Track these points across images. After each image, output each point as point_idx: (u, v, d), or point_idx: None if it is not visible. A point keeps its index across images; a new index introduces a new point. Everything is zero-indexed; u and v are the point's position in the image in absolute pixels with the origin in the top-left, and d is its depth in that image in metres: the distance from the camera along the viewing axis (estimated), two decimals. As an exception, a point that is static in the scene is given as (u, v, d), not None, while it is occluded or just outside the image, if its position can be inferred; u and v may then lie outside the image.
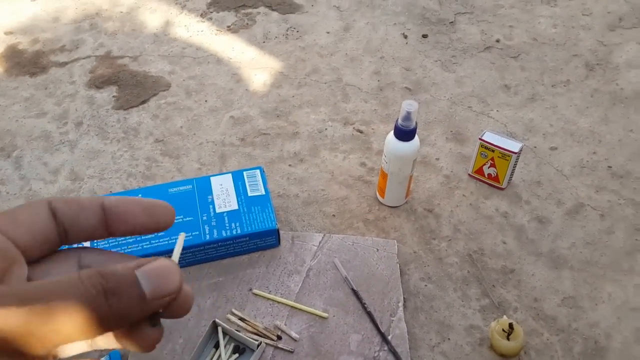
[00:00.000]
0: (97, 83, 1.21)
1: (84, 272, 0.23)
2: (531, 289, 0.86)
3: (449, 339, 0.80)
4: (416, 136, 0.88)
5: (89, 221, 0.28)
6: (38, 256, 0.27)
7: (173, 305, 0.26)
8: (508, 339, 0.77)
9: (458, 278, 0.87)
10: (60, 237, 0.28)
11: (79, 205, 0.28)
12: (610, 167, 1.03)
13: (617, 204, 0.98)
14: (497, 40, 1.32)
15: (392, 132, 0.89)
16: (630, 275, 0.88)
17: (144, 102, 1.16)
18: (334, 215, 0.96)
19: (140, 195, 0.89)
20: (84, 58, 1.28)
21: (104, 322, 0.22)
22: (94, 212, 0.28)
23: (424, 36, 1.33)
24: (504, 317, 0.79)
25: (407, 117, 0.85)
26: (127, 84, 1.21)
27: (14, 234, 0.26)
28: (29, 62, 1.28)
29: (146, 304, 0.24)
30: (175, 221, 0.85)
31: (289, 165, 1.04)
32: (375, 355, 0.76)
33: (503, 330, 0.78)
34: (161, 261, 0.24)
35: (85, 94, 1.18)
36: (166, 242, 0.83)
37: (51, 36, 1.34)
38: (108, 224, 0.28)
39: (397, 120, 0.87)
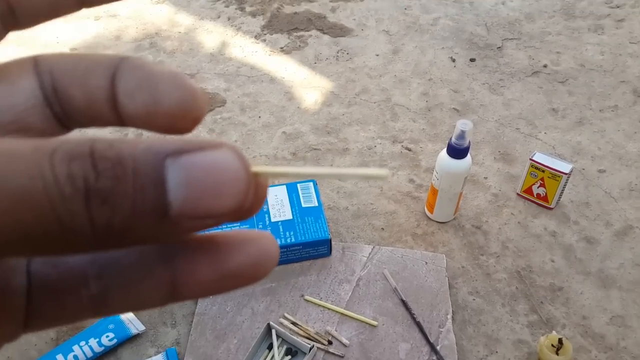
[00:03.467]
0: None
1: (55, 142, 0.13)
2: (579, 307, 0.87)
3: (496, 352, 0.81)
4: (468, 154, 0.91)
5: (92, 89, 0.16)
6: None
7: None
8: (557, 354, 0.78)
9: (506, 294, 0.88)
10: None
11: (79, 61, 0.16)
12: (660, 191, 1.04)
13: (667, 228, 0.97)
14: (545, 66, 1.34)
15: (444, 149, 0.91)
16: (681, 299, 0.88)
17: (201, 116, 1.22)
18: (382, 229, 0.98)
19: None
20: (144, 74, 1.35)
21: (70, 245, 0.13)
22: (103, 73, 0.16)
23: (472, 60, 1.36)
24: (553, 332, 0.80)
25: (462, 135, 0.88)
26: (185, 100, 1.26)
27: None
28: (93, 78, 1.35)
29: (167, 226, 0.14)
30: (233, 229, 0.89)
31: (339, 179, 1.07)
32: (424, 363, 0.78)
33: (552, 345, 0.78)
34: (222, 152, 0.14)
35: (146, 108, 1.25)
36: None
37: (113, 53, 1.42)
38: (117, 97, 0.16)
39: (450, 139, 0.89)
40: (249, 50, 1.42)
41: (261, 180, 0.15)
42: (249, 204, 0.14)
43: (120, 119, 0.16)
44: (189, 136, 0.15)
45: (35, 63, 0.16)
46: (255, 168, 0.15)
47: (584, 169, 1.08)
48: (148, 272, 0.16)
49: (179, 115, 0.16)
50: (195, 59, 1.39)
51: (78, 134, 0.13)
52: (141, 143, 0.13)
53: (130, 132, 1.10)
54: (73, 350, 0.79)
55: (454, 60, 1.36)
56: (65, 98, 0.16)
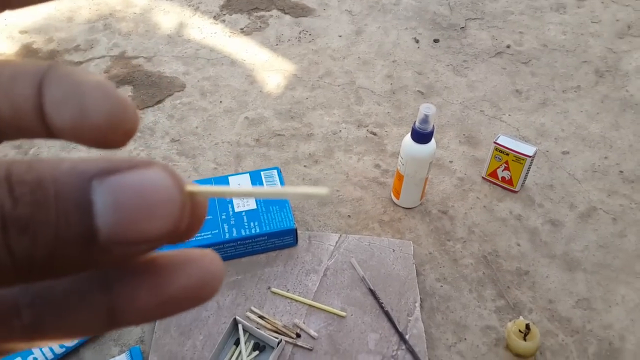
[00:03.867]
0: (112, 83, 1.22)
1: None
2: (546, 291, 0.87)
3: (465, 339, 0.81)
4: (433, 139, 0.89)
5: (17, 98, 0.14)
6: None
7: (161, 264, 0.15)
8: (525, 339, 0.78)
9: (473, 279, 0.88)
10: None
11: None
12: (621, 171, 1.05)
13: (629, 208, 0.99)
14: (508, 46, 1.33)
15: (409, 134, 0.90)
16: (642, 279, 0.89)
17: (159, 102, 1.17)
18: (349, 216, 0.96)
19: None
20: (98, 58, 1.29)
21: None
22: (29, 82, 0.14)
23: (436, 41, 1.34)
24: (521, 317, 0.80)
25: (425, 120, 0.86)
26: (142, 84, 1.22)
27: None
28: (44, 61, 1.28)
29: (96, 253, 0.13)
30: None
31: (304, 166, 1.05)
32: (394, 354, 0.77)
33: (520, 330, 0.78)
34: (153, 171, 0.13)
35: (101, 94, 1.19)
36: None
37: (65, 35, 1.35)
38: (44, 108, 0.14)
39: (414, 123, 0.88)
40: (208, 31, 1.37)
41: (199, 199, 0.14)
42: (184, 225, 0.13)
43: (48, 131, 0.15)
44: (120, 152, 0.13)
45: None
46: (190, 187, 0.14)
47: (547, 151, 1.08)
48: (84, 300, 0.14)
49: (109, 128, 0.14)
50: (151, 41, 1.34)
51: None
52: (63, 163, 0.12)
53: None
54: (32, 352, 0.76)
55: (417, 41, 1.35)
56: None
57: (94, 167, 0.13)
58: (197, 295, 0.15)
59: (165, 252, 0.15)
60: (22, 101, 0.14)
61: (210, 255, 0.15)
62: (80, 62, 1.28)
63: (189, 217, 0.14)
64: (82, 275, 0.15)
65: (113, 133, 0.14)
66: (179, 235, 0.14)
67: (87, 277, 0.15)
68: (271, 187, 0.15)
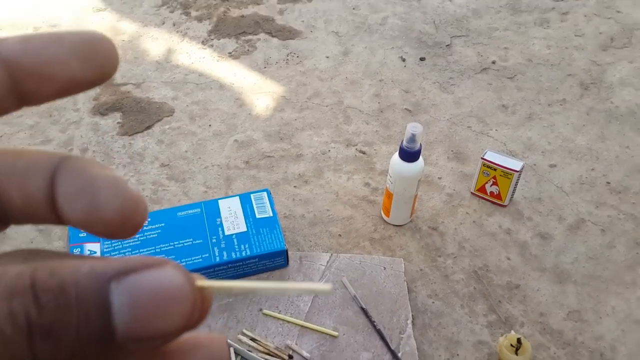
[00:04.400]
0: (102, 110, 1.23)
1: None
2: (537, 304, 0.87)
3: (457, 354, 0.81)
4: (421, 157, 0.90)
5: None
6: None
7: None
8: (516, 353, 0.78)
9: (465, 294, 0.89)
10: None
11: None
12: (608, 182, 1.06)
13: (617, 219, 0.99)
14: (493, 62, 1.35)
15: (397, 153, 0.91)
16: (632, 289, 0.89)
17: (148, 127, 1.18)
18: (340, 235, 0.97)
19: (149, 219, 0.90)
20: (88, 86, 1.30)
21: None
22: (42, 174, 0.16)
23: (422, 59, 1.36)
24: (512, 332, 0.80)
25: (412, 139, 0.87)
26: (131, 110, 1.23)
27: None
28: (34, 91, 1.29)
29: (113, 350, 0.13)
30: (185, 244, 0.86)
31: (294, 186, 1.06)
32: (387, 372, 0.77)
33: (511, 345, 0.79)
34: (166, 271, 0.14)
35: (90, 121, 1.20)
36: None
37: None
38: (17, 84, 0.16)
39: (402, 142, 0.89)
40: (196, 56, 1.38)
41: (205, 294, 0.15)
42: (195, 320, 0.14)
43: (58, 220, 0.16)
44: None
45: None
46: (201, 282, 0.15)
47: (535, 165, 1.09)
48: None
49: (119, 223, 0.15)
50: (140, 68, 1.35)
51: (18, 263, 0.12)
52: (84, 265, 0.13)
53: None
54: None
55: (404, 60, 1.36)
56: (2, 198, 0.16)
57: (112, 268, 0.13)
58: None
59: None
60: (34, 192, 0.15)
61: (218, 341, 0.16)
62: (70, 90, 1.29)
63: (199, 311, 0.14)
64: None
65: (123, 227, 0.15)
66: (188, 329, 0.14)
67: None
68: (276, 283, 0.16)
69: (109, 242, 0.85)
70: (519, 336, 0.79)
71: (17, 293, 0.12)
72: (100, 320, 0.13)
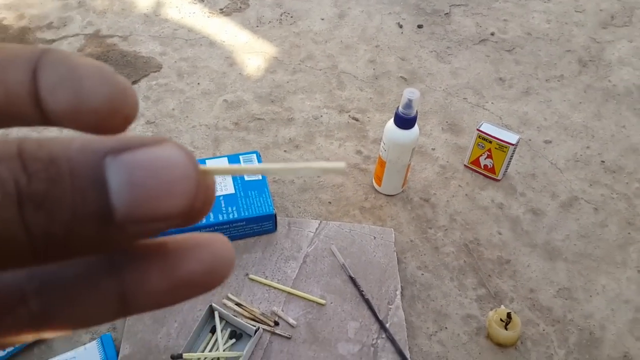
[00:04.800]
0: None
1: None
2: (527, 280, 0.86)
3: (446, 327, 0.80)
4: (416, 125, 0.88)
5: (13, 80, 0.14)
6: None
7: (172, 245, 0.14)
8: (506, 328, 0.77)
9: (454, 267, 0.87)
10: None
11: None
12: (603, 161, 1.04)
13: (610, 198, 0.98)
14: (492, 34, 1.32)
15: (391, 119, 0.88)
16: (623, 268, 0.89)
17: (134, 82, 1.13)
18: (329, 203, 0.94)
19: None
20: (72, 36, 1.24)
21: (4, 259, 0.12)
22: (23, 67, 0.14)
23: (419, 26, 1.32)
24: (502, 306, 0.79)
25: (409, 104, 0.84)
26: (117, 64, 1.17)
27: None
28: (14, 39, 1.23)
29: (112, 232, 0.12)
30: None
31: (284, 151, 1.02)
32: (374, 342, 0.75)
33: (501, 319, 0.78)
34: (166, 148, 0.13)
35: (74, 73, 1.15)
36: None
37: (38, 12, 1.30)
38: (39, 93, 0.14)
39: (397, 108, 0.86)
40: (186, 11, 1.33)
41: (208, 179, 0.14)
42: (199, 204, 0.13)
43: (44, 118, 0.14)
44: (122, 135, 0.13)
45: None
46: (204, 166, 0.14)
47: (530, 140, 1.07)
48: (94, 285, 0.14)
49: (108, 113, 0.14)
50: (127, 20, 1.29)
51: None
52: (75, 141, 0.12)
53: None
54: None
55: (401, 26, 1.32)
56: None
57: (106, 144, 0.12)
58: (208, 279, 0.14)
59: (176, 236, 0.15)
60: (15, 87, 0.14)
61: (221, 240, 0.15)
62: (53, 40, 1.23)
63: (202, 197, 0.13)
64: (91, 259, 0.14)
65: (112, 118, 0.14)
66: (193, 215, 0.13)
67: (96, 262, 0.14)
68: (287, 164, 0.14)
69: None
70: (509, 311, 0.78)
71: (4, 159, 0.11)
72: (97, 198, 0.12)
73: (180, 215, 0.13)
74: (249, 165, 0.15)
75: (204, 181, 0.13)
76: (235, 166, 0.15)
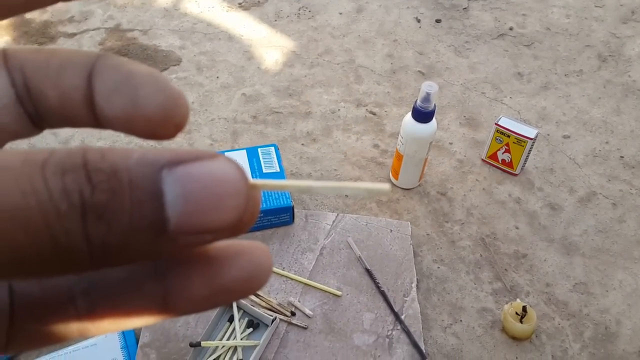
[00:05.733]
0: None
1: (45, 152, 0.12)
2: (543, 274, 0.86)
3: (461, 320, 0.80)
4: (434, 118, 0.88)
5: (67, 85, 0.15)
6: None
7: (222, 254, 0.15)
8: (521, 321, 0.77)
9: (470, 261, 0.87)
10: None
11: (52, 56, 0.15)
12: (622, 157, 1.04)
13: (628, 194, 0.98)
14: (511, 28, 1.31)
15: (409, 113, 0.88)
16: (640, 264, 0.88)
17: (154, 76, 1.15)
18: (346, 196, 0.95)
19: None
20: (93, 30, 1.26)
21: (64, 266, 0.12)
22: (78, 72, 0.15)
23: (437, 21, 1.32)
24: (518, 300, 0.79)
25: (427, 98, 0.84)
26: (137, 58, 1.19)
27: None
28: (36, 32, 1.26)
29: (164, 242, 0.13)
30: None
31: (302, 144, 1.03)
32: (389, 334, 0.76)
33: (516, 313, 0.78)
34: (220, 162, 0.13)
35: (95, 66, 1.17)
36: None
37: (60, 6, 1.32)
38: (94, 98, 0.15)
39: (415, 102, 0.86)
40: (206, 5, 1.34)
41: (256, 194, 0.14)
42: (247, 217, 0.13)
43: (97, 121, 0.15)
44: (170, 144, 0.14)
45: (5, 58, 0.15)
46: (253, 180, 0.14)
47: (548, 135, 1.07)
48: (138, 288, 0.15)
49: (161, 120, 0.15)
50: (147, 14, 1.31)
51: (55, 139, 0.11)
52: (134, 152, 0.12)
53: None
54: None
55: (419, 21, 1.32)
56: (38, 97, 0.15)
57: (163, 157, 0.12)
58: (247, 286, 0.15)
59: (218, 244, 0.15)
60: (71, 90, 0.15)
61: (261, 248, 0.15)
62: (74, 34, 1.25)
63: (251, 210, 0.14)
64: (137, 264, 0.15)
65: (164, 125, 0.15)
66: (240, 228, 0.13)
67: (141, 266, 0.15)
68: (332, 182, 0.15)
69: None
70: (524, 304, 0.78)
71: (70, 170, 0.12)
72: (153, 209, 0.12)
73: (230, 228, 0.13)
74: (296, 182, 0.15)
75: (252, 195, 0.14)
76: (283, 182, 0.15)
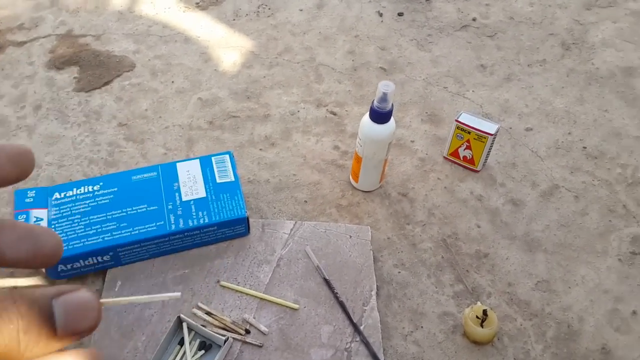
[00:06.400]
0: (57, 64, 1.15)
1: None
2: (505, 274, 0.85)
3: (422, 327, 0.79)
4: (392, 118, 0.86)
5: None
6: None
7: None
8: (482, 325, 0.76)
9: (432, 264, 0.86)
10: None
11: None
12: (585, 147, 1.02)
13: (591, 185, 0.97)
14: (474, 19, 1.29)
15: (367, 114, 0.86)
16: (603, 257, 0.87)
17: (106, 83, 1.12)
18: (306, 202, 0.93)
19: (101, 183, 0.85)
20: (43, 37, 1.22)
21: None
22: None
23: (400, 14, 1.30)
24: (478, 303, 0.78)
25: (384, 98, 0.82)
26: (89, 65, 1.15)
27: None
28: (-15, 42, 1.21)
29: (53, 340, 0.20)
30: (139, 211, 0.82)
31: (260, 149, 1.01)
32: (347, 346, 0.74)
33: (477, 317, 0.76)
34: (83, 292, 0.21)
35: (45, 76, 1.13)
36: (128, 234, 0.79)
37: (9, 13, 1.28)
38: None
39: (372, 102, 0.84)
40: (161, 6, 1.30)
41: (101, 305, 0.22)
42: (99, 322, 0.22)
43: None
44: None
45: None
46: (102, 300, 0.23)
47: (510, 128, 1.05)
48: None
49: (54, 257, 0.24)
50: (100, 18, 1.27)
51: None
52: (36, 291, 0.20)
53: None
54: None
55: (381, 15, 1.30)
56: None
57: (52, 292, 0.21)
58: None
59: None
60: None
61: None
62: (24, 42, 1.21)
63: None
64: None
65: (55, 259, 0.24)
66: (95, 328, 0.21)
67: None
68: (134, 297, 0.26)
69: (57, 208, 0.80)
70: (485, 308, 0.77)
71: (8, 299, 0.19)
72: (48, 321, 0.20)
73: (91, 329, 0.21)
74: (133, 298, 0.26)
75: (100, 309, 0.22)
76: (123, 299, 0.25)
